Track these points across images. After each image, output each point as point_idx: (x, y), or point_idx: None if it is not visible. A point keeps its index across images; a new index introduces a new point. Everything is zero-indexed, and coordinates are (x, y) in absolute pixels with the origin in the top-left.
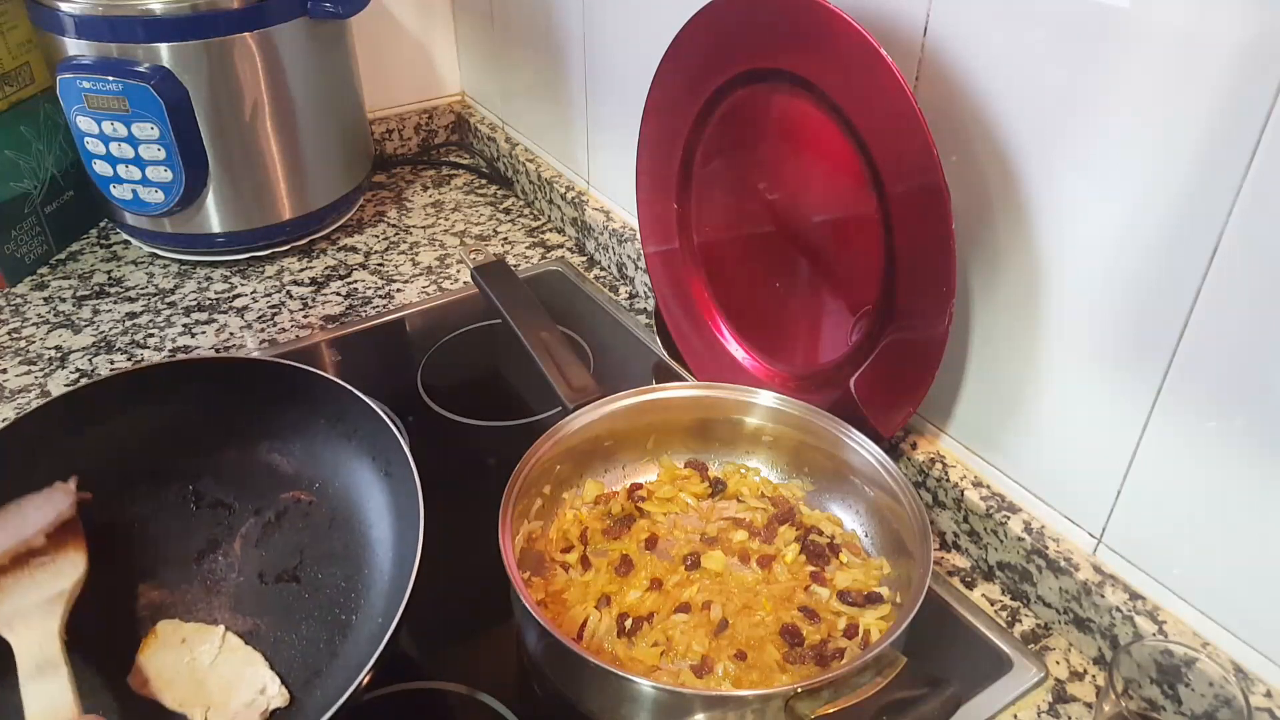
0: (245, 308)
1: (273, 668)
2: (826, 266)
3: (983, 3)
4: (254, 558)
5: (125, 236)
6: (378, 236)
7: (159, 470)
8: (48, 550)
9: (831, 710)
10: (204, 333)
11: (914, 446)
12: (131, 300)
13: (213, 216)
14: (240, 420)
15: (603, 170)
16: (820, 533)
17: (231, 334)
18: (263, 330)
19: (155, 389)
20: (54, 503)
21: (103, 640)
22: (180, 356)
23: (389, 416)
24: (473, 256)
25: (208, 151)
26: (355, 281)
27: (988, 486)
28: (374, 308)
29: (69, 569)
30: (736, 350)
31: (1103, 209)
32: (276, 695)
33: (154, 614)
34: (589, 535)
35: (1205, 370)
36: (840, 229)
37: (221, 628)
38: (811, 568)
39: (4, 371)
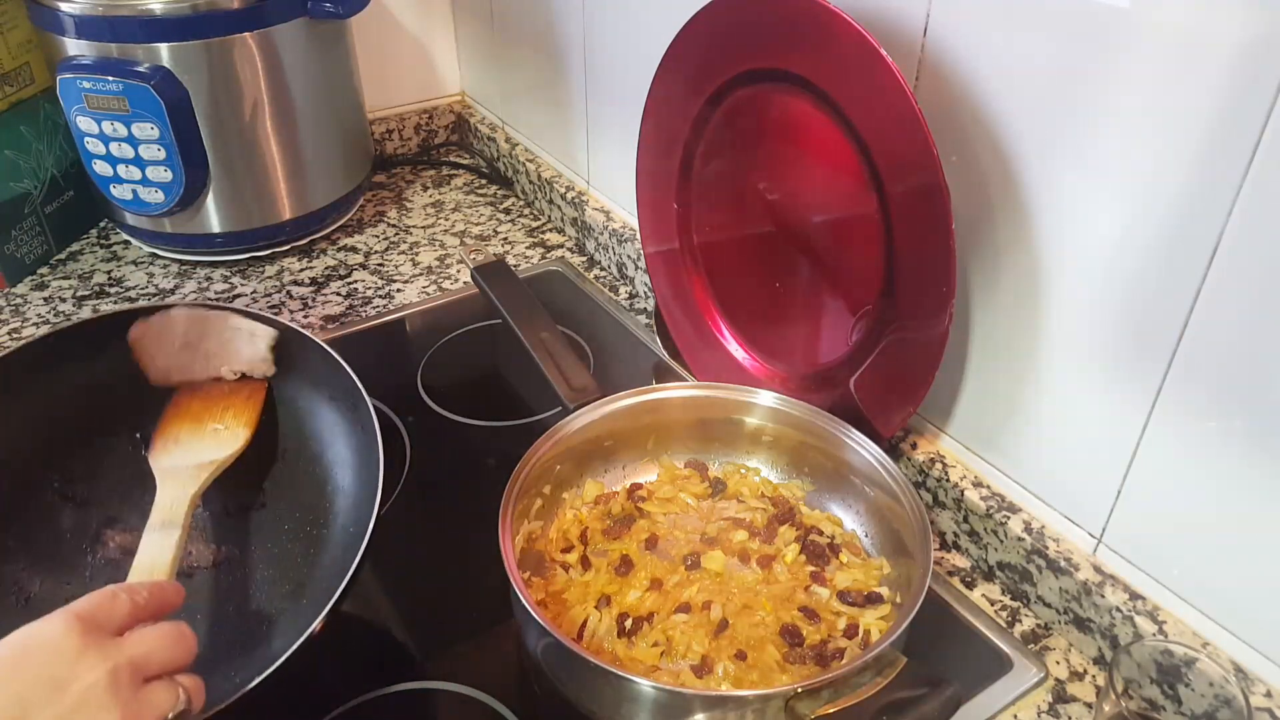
0: (245, 308)
1: (254, 588)
2: (826, 266)
3: (983, 3)
4: (212, 496)
5: (125, 236)
6: (378, 236)
7: (95, 427)
8: (230, 406)
9: (831, 710)
10: None
11: (914, 446)
12: (132, 300)
13: (213, 216)
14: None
15: (603, 170)
16: (820, 533)
17: None
18: None
19: (77, 349)
20: (257, 346)
21: (84, 583)
22: (93, 314)
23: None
24: (473, 256)
25: (208, 151)
26: (355, 281)
27: (988, 486)
28: (374, 308)
29: (231, 442)
30: (736, 350)
31: (1103, 209)
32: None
33: (127, 556)
34: (589, 535)
35: (1205, 370)
36: (840, 229)
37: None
38: (811, 568)
39: None
